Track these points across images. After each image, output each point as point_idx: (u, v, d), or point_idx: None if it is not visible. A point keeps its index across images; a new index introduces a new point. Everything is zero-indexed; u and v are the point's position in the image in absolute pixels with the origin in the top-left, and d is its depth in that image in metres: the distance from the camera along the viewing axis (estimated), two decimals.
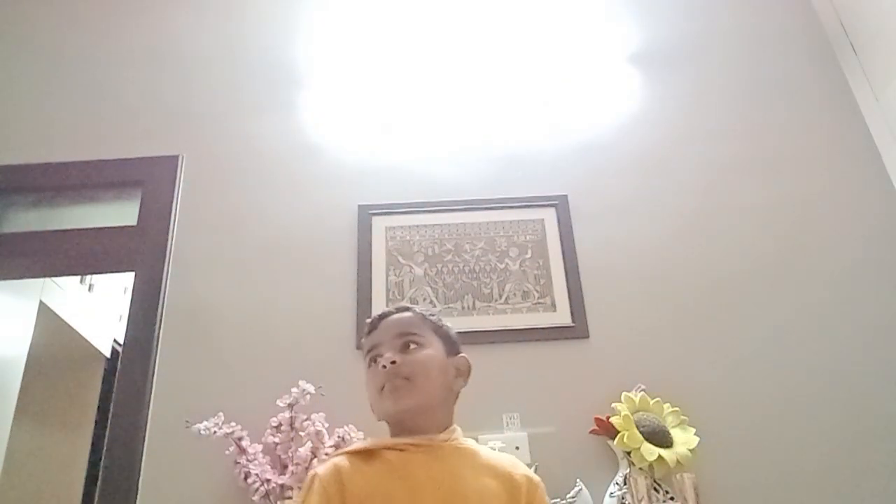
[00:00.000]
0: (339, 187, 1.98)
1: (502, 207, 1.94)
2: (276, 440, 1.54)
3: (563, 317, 1.79)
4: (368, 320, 1.14)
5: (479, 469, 1.01)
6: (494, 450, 1.52)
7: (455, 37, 2.24)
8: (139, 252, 1.86)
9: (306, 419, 1.55)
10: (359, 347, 1.73)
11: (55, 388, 2.76)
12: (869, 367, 1.73)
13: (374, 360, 1.07)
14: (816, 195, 1.97)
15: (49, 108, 2.12)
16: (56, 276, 2.38)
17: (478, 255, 1.88)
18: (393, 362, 1.03)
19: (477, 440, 1.61)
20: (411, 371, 1.02)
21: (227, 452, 1.53)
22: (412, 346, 1.06)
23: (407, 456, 1.00)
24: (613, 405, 1.61)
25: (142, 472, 1.59)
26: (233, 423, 1.53)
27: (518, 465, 1.06)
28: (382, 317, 1.11)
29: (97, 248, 1.90)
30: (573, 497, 1.51)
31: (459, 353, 1.13)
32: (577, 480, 1.54)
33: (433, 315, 1.14)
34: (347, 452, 1.02)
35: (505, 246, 1.90)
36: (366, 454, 1.01)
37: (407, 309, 1.13)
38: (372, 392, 1.06)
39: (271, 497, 1.49)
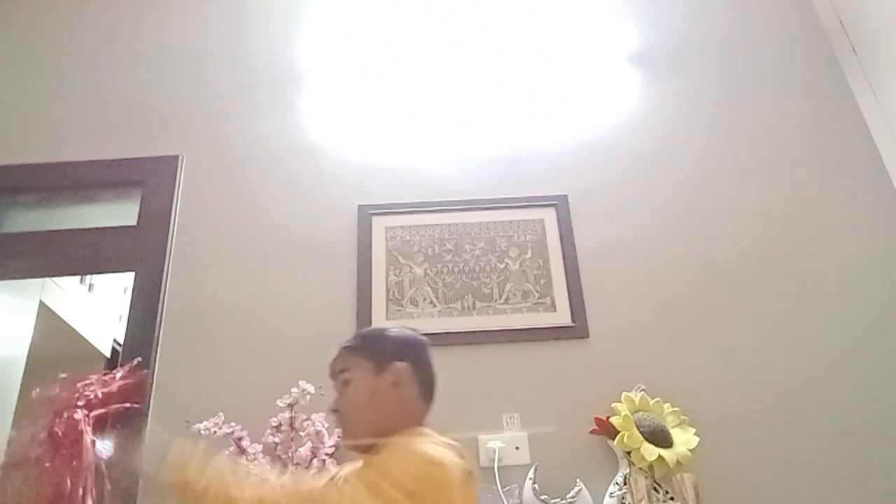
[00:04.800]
0: (339, 187, 1.98)
1: (502, 207, 1.94)
2: (276, 440, 1.54)
3: (563, 317, 1.79)
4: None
5: None
6: (494, 449, 1.54)
7: (455, 37, 2.24)
8: (139, 252, 1.86)
9: (306, 419, 1.55)
10: None
11: None
12: (868, 366, 1.73)
13: None
14: (816, 195, 1.97)
15: (49, 108, 2.12)
16: (56, 276, 2.38)
17: (478, 255, 1.88)
18: (334, 410, 1.11)
19: (477, 440, 1.62)
20: (343, 412, 1.10)
21: (226, 452, 1.53)
22: (346, 385, 1.12)
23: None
24: (613, 405, 1.61)
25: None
26: (233, 423, 1.53)
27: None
28: (333, 361, 1.17)
29: (97, 248, 1.90)
30: (573, 497, 1.51)
31: (394, 361, 1.11)
32: (577, 480, 1.54)
33: (364, 336, 1.19)
34: None
35: (505, 246, 1.89)
36: None
37: (343, 345, 1.17)
38: None
39: None
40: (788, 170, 2.01)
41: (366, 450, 1.05)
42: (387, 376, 1.10)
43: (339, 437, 1.54)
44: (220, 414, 1.55)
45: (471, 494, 1.00)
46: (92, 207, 2.02)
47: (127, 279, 2.02)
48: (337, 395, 1.12)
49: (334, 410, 1.11)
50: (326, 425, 1.55)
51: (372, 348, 1.14)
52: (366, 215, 1.92)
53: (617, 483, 1.53)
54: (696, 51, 2.23)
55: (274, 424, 1.55)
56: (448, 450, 0.98)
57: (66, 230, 1.94)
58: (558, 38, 2.24)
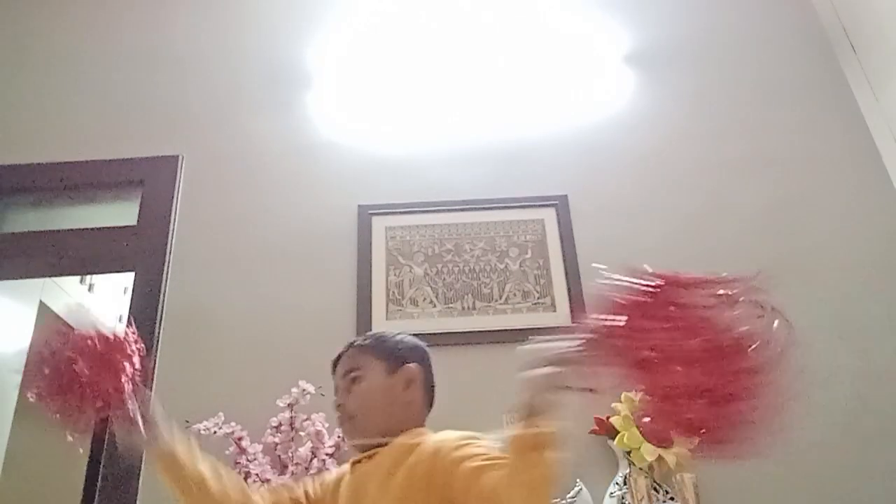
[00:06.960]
0: (339, 187, 1.98)
1: (502, 207, 1.94)
2: (276, 440, 1.54)
3: (563, 317, 1.78)
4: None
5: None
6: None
7: (455, 37, 2.24)
8: (139, 252, 1.86)
9: (306, 419, 1.55)
10: None
11: None
12: (869, 366, 1.72)
13: None
14: (816, 195, 1.97)
15: (49, 108, 2.12)
16: (56, 276, 2.38)
17: (478, 255, 1.88)
18: (339, 405, 1.11)
19: None
20: (352, 410, 1.09)
21: (227, 452, 1.53)
22: (354, 382, 1.11)
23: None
24: (613, 405, 1.60)
25: (142, 472, 1.59)
26: (233, 423, 1.54)
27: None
28: (337, 359, 1.16)
29: (97, 248, 1.90)
30: (573, 497, 1.51)
31: (407, 363, 1.12)
32: (577, 480, 1.54)
33: (377, 337, 1.17)
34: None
35: (505, 246, 1.90)
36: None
37: (352, 344, 1.17)
38: None
39: None
40: (788, 170, 2.01)
41: (369, 448, 1.05)
42: (400, 377, 1.10)
43: (339, 435, 1.54)
44: (220, 414, 1.55)
45: None
46: (92, 207, 2.02)
47: (127, 279, 2.02)
48: (342, 393, 1.11)
49: (339, 406, 1.10)
50: (326, 425, 1.55)
51: (386, 349, 1.14)
52: (366, 215, 1.91)
53: (617, 483, 1.53)
54: (696, 50, 2.23)
55: (274, 424, 1.55)
56: None
57: (66, 230, 1.94)
58: (559, 37, 2.24)
